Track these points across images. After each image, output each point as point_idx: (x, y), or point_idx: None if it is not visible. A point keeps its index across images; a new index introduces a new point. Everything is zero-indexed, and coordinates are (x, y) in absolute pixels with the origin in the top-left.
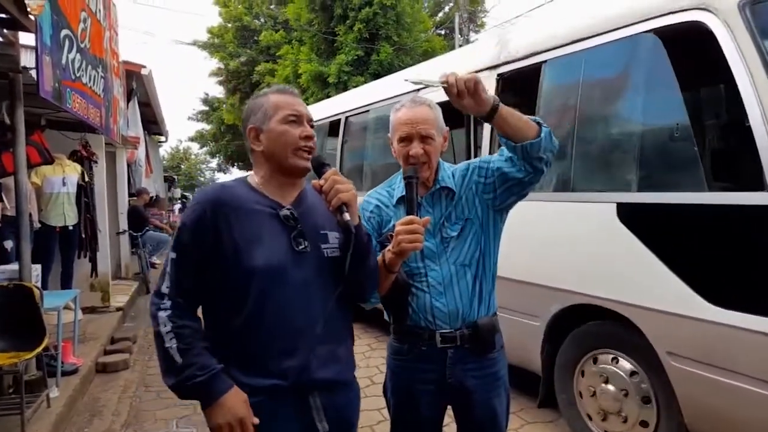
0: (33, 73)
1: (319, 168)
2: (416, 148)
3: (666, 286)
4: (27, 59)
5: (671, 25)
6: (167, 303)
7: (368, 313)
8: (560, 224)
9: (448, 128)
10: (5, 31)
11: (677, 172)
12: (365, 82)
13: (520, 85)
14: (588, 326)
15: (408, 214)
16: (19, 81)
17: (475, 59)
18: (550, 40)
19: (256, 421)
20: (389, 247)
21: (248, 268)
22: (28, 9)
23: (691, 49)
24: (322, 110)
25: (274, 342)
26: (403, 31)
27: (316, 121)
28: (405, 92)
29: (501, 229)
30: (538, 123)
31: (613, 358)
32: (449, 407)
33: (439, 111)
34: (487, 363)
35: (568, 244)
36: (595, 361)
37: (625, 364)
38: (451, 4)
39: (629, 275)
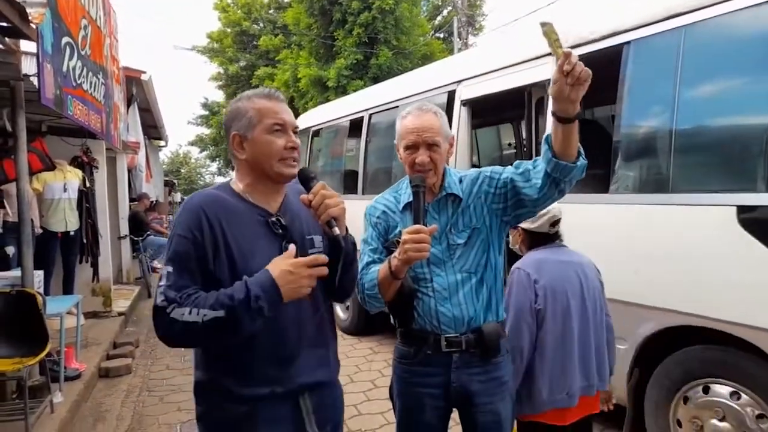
0: (34, 80)
1: (307, 181)
2: (422, 156)
3: None
4: (28, 66)
5: None
6: (172, 307)
7: (371, 317)
8: (656, 231)
9: (453, 135)
10: (6, 39)
11: None
12: (365, 86)
13: (596, 70)
14: (696, 351)
15: (415, 222)
16: (20, 88)
17: (530, 47)
18: (637, 16)
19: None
20: (395, 253)
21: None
22: (30, 18)
23: None
24: (339, 108)
25: (268, 351)
26: (401, 35)
27: (332, 120)
28: (436, 87)
29: (504, 239)
30: (580, 152)
31: (733, 392)
32: (455, 411)
33: (444, 118)
34: (492, 368)
35: (666, 256)
36: (707, 390)
37: (746, 398)
38: (450, 8)
39: (757, 293)
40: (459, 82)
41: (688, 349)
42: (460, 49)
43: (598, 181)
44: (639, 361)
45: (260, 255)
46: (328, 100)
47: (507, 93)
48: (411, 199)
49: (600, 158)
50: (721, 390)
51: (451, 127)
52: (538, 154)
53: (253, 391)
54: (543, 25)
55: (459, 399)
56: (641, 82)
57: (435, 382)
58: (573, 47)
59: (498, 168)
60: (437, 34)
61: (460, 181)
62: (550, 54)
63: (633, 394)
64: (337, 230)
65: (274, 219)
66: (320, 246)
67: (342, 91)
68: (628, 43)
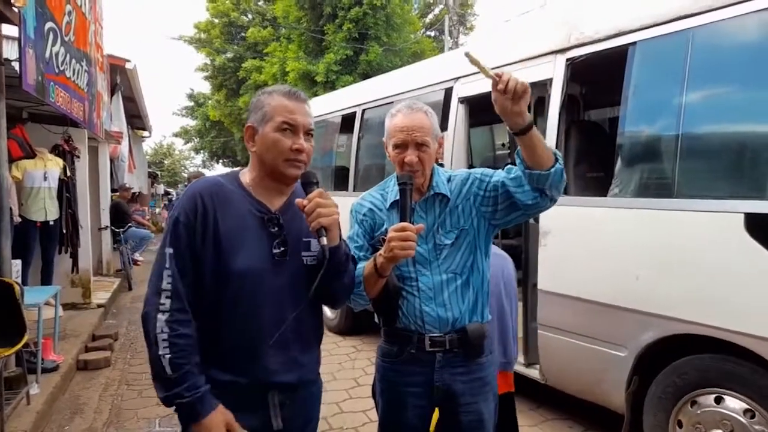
0: (15, 65)
1: (306, 186)
2: (411, 156)
3: None
4: (9, 51)
5: None
6: (167, 303)
7: (357, 315)
8: (658, 237)
9: (443, 134)
10: None
11: None
12: (353, 82)
13: (599, 70)
14: (699, 360)
15: (401, 220)
16: (1, 73)
17: (531, 43)
18: (644, 17)
19: None
20: (381, 251)
21: (229, 271)
22: (12, 1)
23: None
24: (331, 103)
25: (241, 343)
26: (392, 32)
27: (323, 115)
28: (432, 83)
29: (491, 242)
30: (556, 157)
31: (746, 410)
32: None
33: (435, 117)
34: (476, 368)
35: (669, 262)
36: (719, 401)
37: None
38: (441, 6)
39: (764, 303)
40: (456, 79)
41: (692, 358)
42: (450, 48)
43: (598, 183)
44: (638, 368)
45: (247, 249)
46: (316, 95)
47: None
48: (398, 197)
49: (599, 161)
50: (734, 403)
51: (447, 125)
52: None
53: (216, 375)
54: (466, 55)
55: (442, 398)
56: (646, 84)
57: (418, 381)
58: (576, 47)
59: (488, 171)
60: (428, 32)
61: (449, 180)
62: (550, 53)
63: (632, 400)
64: (324, 240)
65: (270, 217)
66: (316, 250)
67: (331, 86)
68: (633, 44)
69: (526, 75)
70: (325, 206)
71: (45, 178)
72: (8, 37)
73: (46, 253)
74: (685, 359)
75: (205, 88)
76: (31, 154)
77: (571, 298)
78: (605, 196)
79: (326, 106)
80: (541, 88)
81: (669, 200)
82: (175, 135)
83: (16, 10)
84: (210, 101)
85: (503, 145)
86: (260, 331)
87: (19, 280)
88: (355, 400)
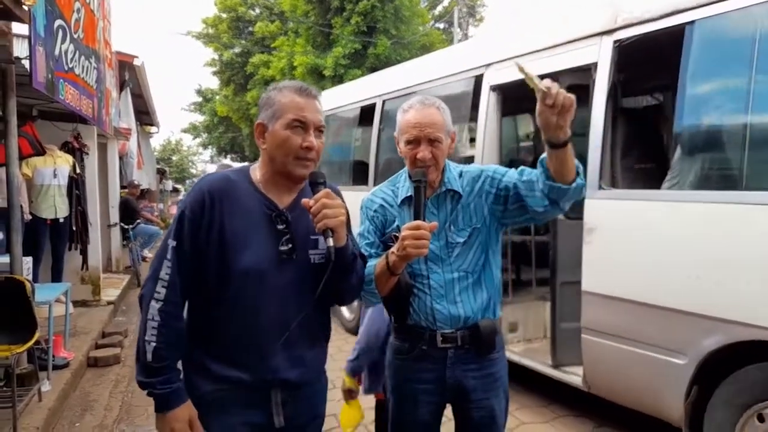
0: (25, 63)
1: (313, 186)
2: (424, 152)
3: None
4: (19, 49)
5: None
6: (162, 293)
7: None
8: (724, 234)
9: (455, 130)
10: None
11: None
12: (362, 76)
13: (651, 52)
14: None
15: (415, 218)
16: (11, 72)
17: (571, 26)
18: None
19: None
20: (393, 249)
21: (233, 268)
22: (22, 0)
23: None
24: (347, 94)
25: (243, 340)
26: (401, 25)
27: (339, 107)
28: (461, 71)
29: (500, 240)
30: (578, 172)
31: None
32: (448, 406)
33: (447, 113)
34: (487, 364)
35: (735, 261)
36: None
37: None
38: None
39: None
40: (488, 65)
41: (759, 366)
42: (460, 40)
43: (649, 175)
44: (699, 378)
45: (253, 247)
46: (324, 90)
47: (541, 78)
48: (410, 193)
49: (650, 151)
50: None
51: (478, 115)
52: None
53: (222, 371)
54: (517, 65)
55: (454, 394)
56: (707, 67)
57: (430, 378)
58: (624, 28)
59: (501, 169)
60: (437, 25)
61: (460, 175)
62: (595, 35)
63: (691, 412)
64: (330, 241)
65: (278, 214)
66: (323, 248)
67: (339, 80)
68: (691, 23)
69: (566, 60)
70: (331, 207)
71: (55, 176)
72: (18, 35)
73: (56, 250)
74: (751, 367)
75: (213, 83)
76: (41, 152)
77: (621, 301)
78: (659, 188)
79: (342, 97)
80: (583, 74)
81: (735, 193)
82: (184, 131)
83: (26, 8)
84: (218, 97)
85: (527, 136)
86: (264, 328)
87: (30, 278)
88: (364, 396)
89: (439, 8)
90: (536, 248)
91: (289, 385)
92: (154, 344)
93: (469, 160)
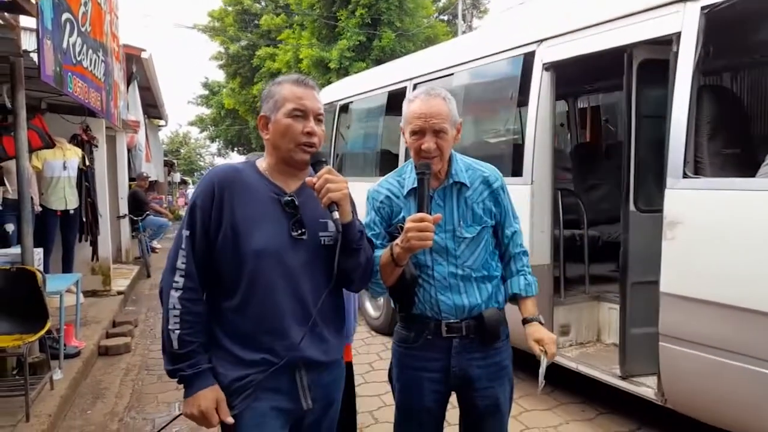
0: (34, 56)
1: (315, 165)
2: (429, 143)
3: None
4: (27, 42)
5: None
6: (180, 282)
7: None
8: None
9: (461, 121)
10: (6, 14)
11: None
12: (367, 68)
13: (744, 20)
14: None
15: (419, 210)
16: (20, 65)
17: None
18: None
19: (229, 419)
20: (398, 240)
21: (245, 250)
22: None
23: None
24: (371, 80)
25: (264, 322)
26: (405, 17)
27: (361, 94)
28: (508, 48)
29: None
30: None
31: None
32: (453, 394)
33: (453, 104)
34: (492, 353)
35: None
36: None
37: None
38: None
39: None
40: (540, 41)
41: None
42: (464, 32)
43: (739, 161)
44: None
45: (265, 229)
46: (329, 82)
47: (601, 55)
48: (416, 185)
49: (740, 134)
50: None
51: (528, 97)
52: (639, 130)
53: (247, 355)
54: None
55: (459, 383)
56: None
57: (435, 367)
58: None
59: (505, 200)
60: (441, 17)
61: (468, 168)
62: (677, 2)
63: None
64: (336, 215)
65: (287, 198)
66: (333, 230)
67: (344, 72)
68: None
69: (641, 31)
70: (334, 182)
71: (64, 168)
72: (26, 29)
73: (66, 241)
74: None
75: (219, 76)
76: (50, 144)
77: (712, 305)
78: (753, 176)
79: (365, 84)
80: (662, 47)
81: None
82: (191, 124)
83: (33, 1)
84: (224, 89)
85: (561, 125)
86: (283, 307)
87: (41, 268)
88: (370, 384)
89: (443, 0)
90: (589, 243)
91: (314, 364)
92: (178, 332)
93: (518, 148)
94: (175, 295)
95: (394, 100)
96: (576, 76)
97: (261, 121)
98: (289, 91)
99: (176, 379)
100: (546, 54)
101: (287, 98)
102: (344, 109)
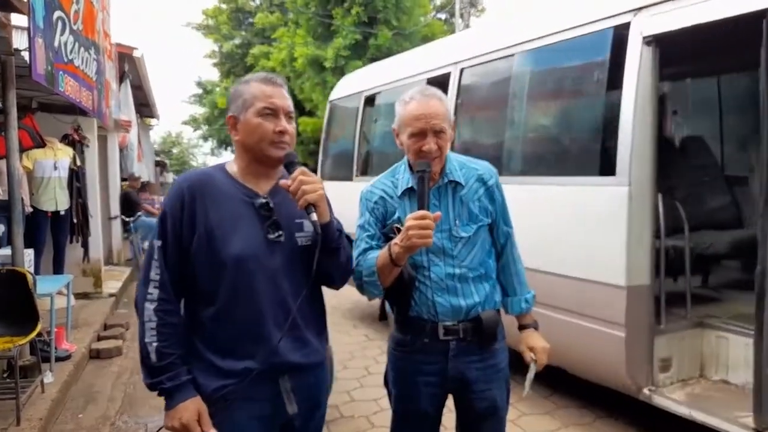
0: (25, 54)
1: (288, 166)
2: (430, 144)
3: None
4: (18, 41)
5: None
6: (155, 293)
7: (366, 305)
8: None
9: (454, 119)
10: None
11: None
12: (363, 67)
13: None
14: None
15: (419, 208)
16: (11, 63)
17: None
18: None
19: (211, 431)
20: (396, 240)
21: (222, 258)
22: None
23: None
24: (408, 64)
25: (244, 329)
26: (402, 15)
27: (397, 81)
28: (593, 20)
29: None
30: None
31: None
32: (449, 397)
33: (447, 102)
34: (489, 355)
35: None
36: None
37: None
38: None
39: None
40: (638, 10)
41: None
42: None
43: None
44: None
45: (241, 235)
46: (325, 81)
47: (724, 24)
48: (410, 184)
49: None
50: None
51: (621, 78)
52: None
53: (228, 365)
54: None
55: (456, 385)
56: None
57: (432, 370)
58: None
59: (500, 198)
60: (438, 15)
61: (461, 167)
62: None
63: None
64: (314, 216)
65: (260, 201)
66: (309, 230)
67: (340, 71)
68: None
69: (724, 6)
70: (309, 183)
71: (55, 168)
72: (17, 27)
73: (57, 242)
74: None
75: (213, 75)
76: (41, 144)
77: None
78: None
79: (397, 70)
80: (748, 24)
81: None
82: (184, 123)
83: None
84: (218, 88)
85: (675, 113)
86: (265, 313)
87: (32, 270)
88: (366, 388)
89: None
90: (693, 257)
91: (297, 368)
92: (155, 344)
93: (608, 142)
94: (150, 307)
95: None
96: (687, 52)
97: (230, 121)
98: (258, 89)
99: (154, 390)
100: (647, 25)
101: (256, 97)
102: (370, 101)
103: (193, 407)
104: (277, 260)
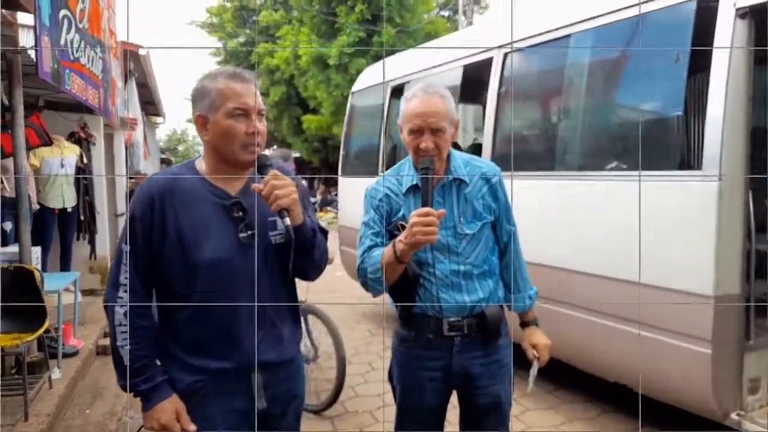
0: (31, 53)
1: (261, 169)
2: (427, 142)
3: None
4: (25, 39)
5: None
6: (124, 297)
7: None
8: None
9: (458, 117)
10: (3, 11)
11: None
12: (367, 65)
13: None
14: None
15: (423, 205)
16: (17, 62)
17: None
18: None
19: (191, 427)
20: (401, 237)
21: (196, 261)
22: None
23: None
24: (437, 53)
25: (219, 331)
26: (405, 13)
27: (429, 69)
28: None
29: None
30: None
31: None
32: (454, 392)
33: (451, 101)
34: (493, 351)
35: None
36: None
37: None
38: None
39: None
40: None
41: None
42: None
43: None
44: None
45: (213, 237)
46: (329, 79)
47: None
48: (415, 182)
49: None
50: None
51: (709, 59)
52: None
53: (202, 363)
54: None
55: (460, 381)
56: None
57: (436, 366)
58: None
59: (503, 196)
60: (441, 12)
61: (466, 165)
62: None
63: None
64: (288, 220)
65: (232, 202)
66: (282, 229)
67: (344, 69)
68: None
69: None
70: (281, 187)
71: (62, 166)
72: (23, 26)
73: (64, 239)
74: None
75: None
76: (48, 142)
77: None
78: None
79: (429, 58)
80: None
81: None
82: (189, 121)
83: None
84: None
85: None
86: (239, 314)
87: (39, 267)
88: (370, 384)
89: None
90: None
91: (269, 365)
92: (127, 347)
93: (691, 130)
94: (120, 311)
95: (473, 76)
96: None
97: (198, 121)
98: (227, 87)
99: (130, 392)
100: None
101: (226, 96)
102: (397, 92)
103: (171, 407)
104: (251, 260)
